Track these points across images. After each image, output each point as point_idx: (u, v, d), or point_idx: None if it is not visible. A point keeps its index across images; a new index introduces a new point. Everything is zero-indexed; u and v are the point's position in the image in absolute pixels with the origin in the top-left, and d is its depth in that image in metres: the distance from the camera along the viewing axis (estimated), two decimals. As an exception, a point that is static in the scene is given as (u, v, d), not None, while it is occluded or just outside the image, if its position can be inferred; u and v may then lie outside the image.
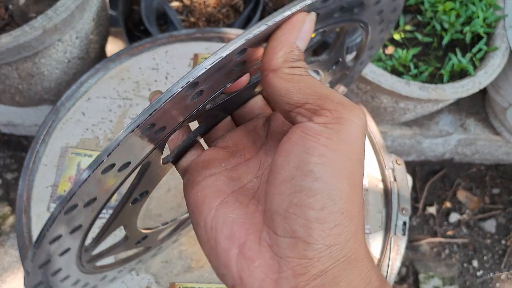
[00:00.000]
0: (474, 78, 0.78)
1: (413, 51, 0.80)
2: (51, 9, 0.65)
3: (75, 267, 0.24)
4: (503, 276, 0.97)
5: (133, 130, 0.16)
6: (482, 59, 0.82)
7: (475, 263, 0.98)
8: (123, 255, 0.33)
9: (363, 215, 0.19)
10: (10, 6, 0.76)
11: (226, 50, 0.17)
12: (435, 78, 0.81)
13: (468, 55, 0.81)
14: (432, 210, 1.02)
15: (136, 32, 0.80)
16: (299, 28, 0.18)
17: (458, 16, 0.84)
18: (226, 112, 0.23)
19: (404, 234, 0.50)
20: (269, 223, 0.18)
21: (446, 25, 0.83)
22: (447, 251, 0.98)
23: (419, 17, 0.85)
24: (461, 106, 1.00)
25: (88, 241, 0.23)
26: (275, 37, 0.18)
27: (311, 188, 0.17)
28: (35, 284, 0.20)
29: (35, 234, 0.49)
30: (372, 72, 0.74)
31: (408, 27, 0.84)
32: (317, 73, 0.25)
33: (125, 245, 0.29)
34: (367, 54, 0.29)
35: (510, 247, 0.99)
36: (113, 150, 0.16)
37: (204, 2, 0.76)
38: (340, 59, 0.27)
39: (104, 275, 0.30)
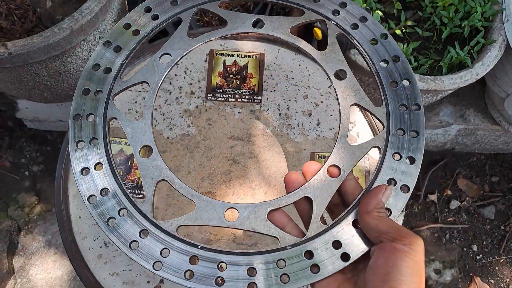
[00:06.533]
0: (471, 69, 0.82)
1: (414, 45, 0.85)
2: (77, 11, 0.71)
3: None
4: (502, 260, 1.01)
5: None
6: (479, 52, 0.86)
7: (474, 247, 1.02)
8: None
9: None
10: (38, 9, 0.82)
11: None
12: (434, 70, 0.86)
13: (466, 48, 0.86)
14: (433, 197, 1.07)
15: (153, 31, 0.85)
16: (384, 192, 0.33)
17: (457, 11, 0.88)
18: None
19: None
20: None
21: (445, 20, 0.87)
22: (447, 236, 1.03)
23: (420, 13, 0.89)
24: (461, 97, 1.05)
25: None
26: (370, 194, 0.33)
27: (400, 280, 0.28)
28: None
29: (72, 212, 0.56)
30: (374, 65, 0.78)
31: (409, 23, 0.88)
32: None
33: None
34: None
35: (509, 232, 1.04)
36: None
37: (216, 2, 0.81)
38: None
39: None
